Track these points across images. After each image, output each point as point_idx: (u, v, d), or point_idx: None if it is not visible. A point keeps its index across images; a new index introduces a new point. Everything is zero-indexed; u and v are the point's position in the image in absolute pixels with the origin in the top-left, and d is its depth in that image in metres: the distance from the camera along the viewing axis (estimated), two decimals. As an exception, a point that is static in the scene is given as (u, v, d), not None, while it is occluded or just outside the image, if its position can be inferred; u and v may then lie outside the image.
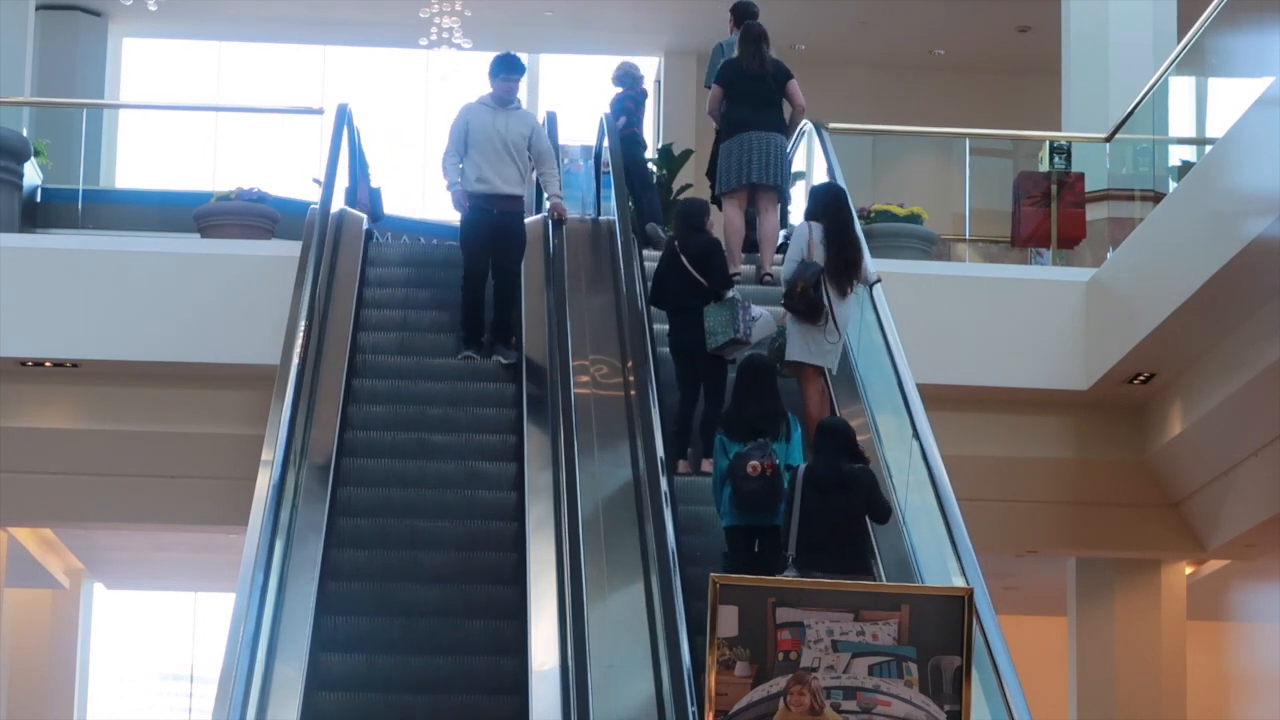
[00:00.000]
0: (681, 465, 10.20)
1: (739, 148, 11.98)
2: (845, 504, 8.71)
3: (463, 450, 10.44)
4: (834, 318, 10.06)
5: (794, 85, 12.21)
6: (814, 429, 9.36)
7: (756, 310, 10.46)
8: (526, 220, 11.66)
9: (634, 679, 8.19)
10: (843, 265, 10.14)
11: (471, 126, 11.37)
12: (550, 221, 11.65)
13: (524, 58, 11.91)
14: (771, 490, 8.95)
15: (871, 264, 10.60)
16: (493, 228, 11.31)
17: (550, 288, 11.22)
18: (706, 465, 9.87)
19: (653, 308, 10.90)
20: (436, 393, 10.92)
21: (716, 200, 12.30)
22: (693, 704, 7.50)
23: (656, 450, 9.14)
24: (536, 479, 9.79)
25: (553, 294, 11.09)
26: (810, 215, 10.36)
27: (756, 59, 12.09)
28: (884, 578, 9.12)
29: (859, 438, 9.48)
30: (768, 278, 11.95)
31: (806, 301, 10.01)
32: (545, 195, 11.77)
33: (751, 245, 12.33)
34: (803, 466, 8.87)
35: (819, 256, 10.10)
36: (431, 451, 10.42)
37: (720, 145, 12.24)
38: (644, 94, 14.32)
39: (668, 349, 10.73)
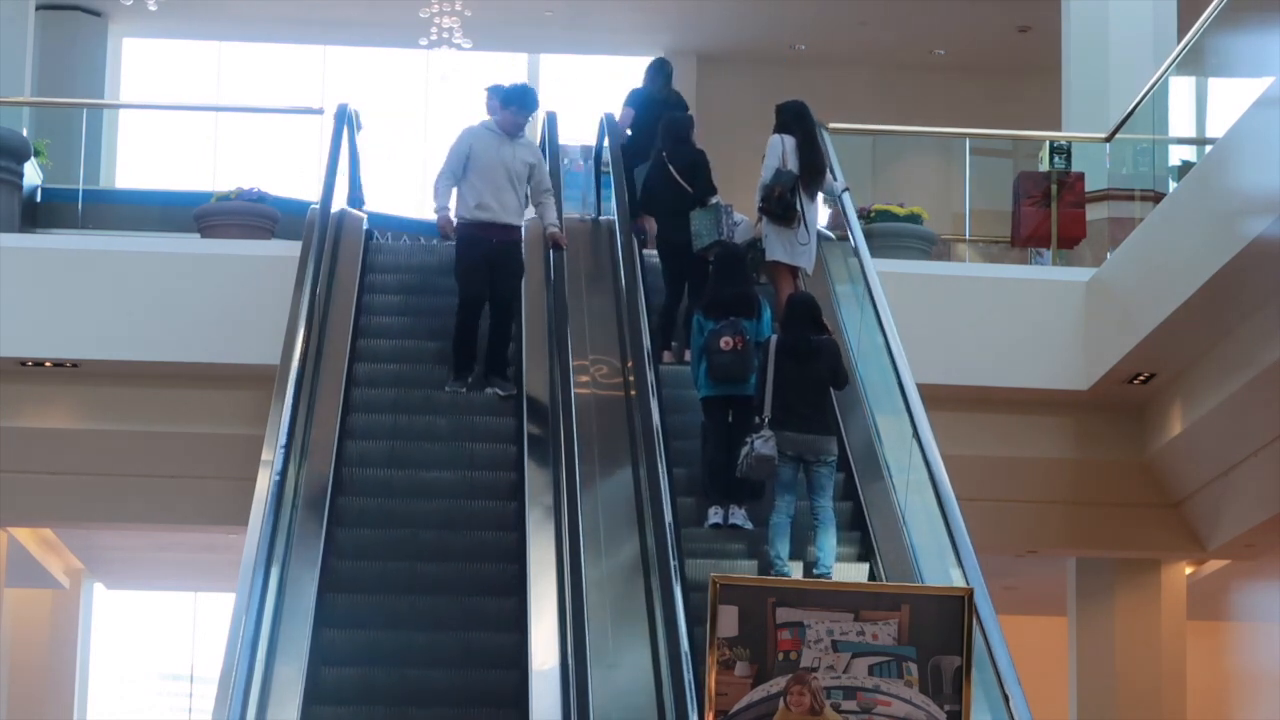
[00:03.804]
0: (666, 355, 11.39)
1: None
2: (812, 370, 9.78)
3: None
4: (805, 220, 11.03)
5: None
6: None
7: (738, 216, 11.60)
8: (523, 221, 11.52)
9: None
10: (813, 171, 11.18)
11: (475, 151, 11.00)
12: (550, 249, 11.22)
13: (523, 57, 11.86)
14: (742, 363, 9.95)
15: (839, 172, 11.63)
16: (490, 257, 10.99)
17: (550, 288, 11.18)
18: (688, 356, 10.83)
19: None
20: (439, 403, 10.94)
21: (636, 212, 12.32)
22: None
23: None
24: (535, 477, 9.83)
25: (552, 294, 11.05)
26: (781, 129, 11.31)
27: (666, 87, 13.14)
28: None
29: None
30: None
31: (783, 205, 11.02)
32: (544, 226, 11.26)
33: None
34: (773, 337, 9.92)
35: (792, 165, 11.09)
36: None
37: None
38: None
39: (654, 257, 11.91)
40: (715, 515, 9.93)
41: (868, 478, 10.21)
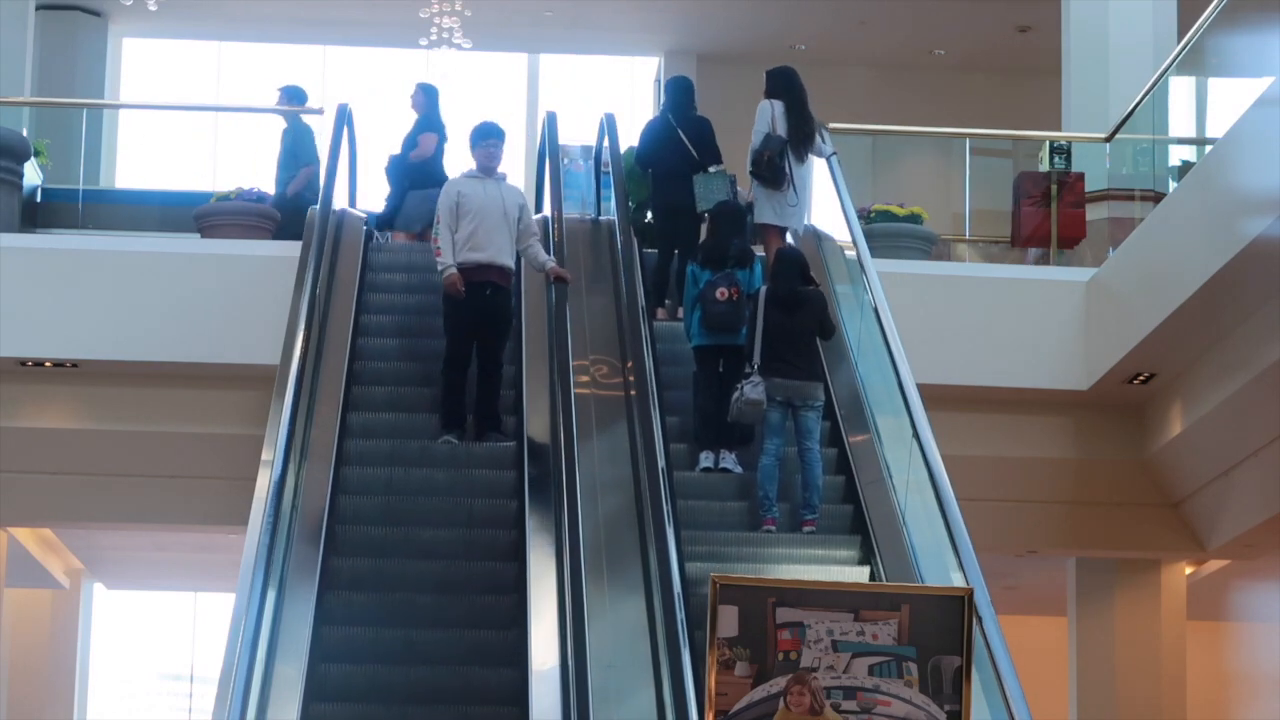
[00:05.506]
0: (660, 313, 11.84)
1: None
2: (800, 320, 10.19)
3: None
4: (794, 183, 11.45)
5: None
6: None
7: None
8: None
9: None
10: (802, 135, 11.59)
11: (464, 196, 10.70)
12: (553, 284, 10.80)
13: (523, 57, 11.78)
14: (735, 313, 10.38)
15: (827, 136, 11.97)
16: (481, 310, 10.64)
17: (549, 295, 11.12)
18: (680, 314, 11.27)
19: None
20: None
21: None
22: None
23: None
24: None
25: (554, 297, 10.99)
26: (771, 94, 11.70)
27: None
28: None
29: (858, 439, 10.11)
30: None
31: (772, 170, 11.44)
32: (543, 266, 10.86)
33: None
34: (763, 288, 10.30)
35: (781, 130, 11.51)
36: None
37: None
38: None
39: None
40: (706, 459, 10.38)
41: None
